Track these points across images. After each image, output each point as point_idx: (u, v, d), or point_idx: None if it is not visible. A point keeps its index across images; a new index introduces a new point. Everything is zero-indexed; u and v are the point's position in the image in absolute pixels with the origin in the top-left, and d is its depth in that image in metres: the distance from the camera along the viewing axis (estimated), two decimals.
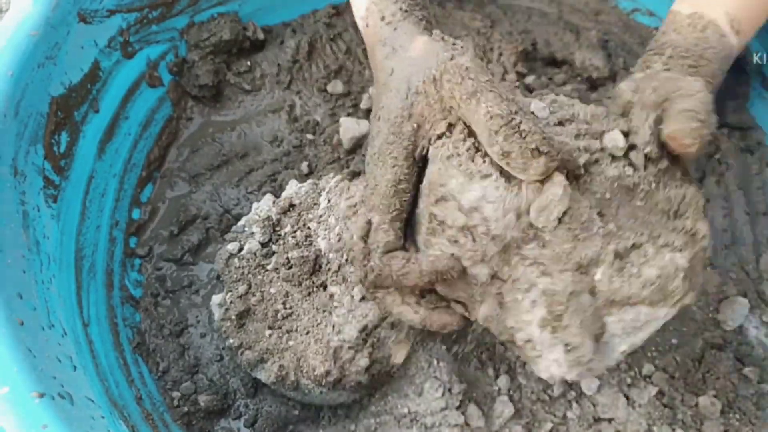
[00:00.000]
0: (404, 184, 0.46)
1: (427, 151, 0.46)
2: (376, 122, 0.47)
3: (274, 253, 0.55)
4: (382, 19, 0.50)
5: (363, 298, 0.51)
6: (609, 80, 0.75)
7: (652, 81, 0.50)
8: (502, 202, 0.42)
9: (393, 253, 0.46)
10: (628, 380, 0.58)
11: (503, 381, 0.56)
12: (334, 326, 0.51)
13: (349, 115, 0.73)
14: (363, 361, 0.52)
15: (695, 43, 0.53)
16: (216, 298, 0.55)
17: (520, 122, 0.41)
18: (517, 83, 0.70)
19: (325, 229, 0.54)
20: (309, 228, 0.56)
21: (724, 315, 0.61)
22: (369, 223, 0.48)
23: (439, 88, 0.44)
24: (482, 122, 0.42)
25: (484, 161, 0.43)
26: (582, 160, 0.44)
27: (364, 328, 0.51)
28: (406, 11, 0.50)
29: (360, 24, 0.53)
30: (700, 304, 0.62)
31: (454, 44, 0.47)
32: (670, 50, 0.53)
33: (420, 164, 0.47)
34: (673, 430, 0.55)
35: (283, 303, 0.53)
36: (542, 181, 0.42)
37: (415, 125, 0.46)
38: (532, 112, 0.46)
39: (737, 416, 0.56)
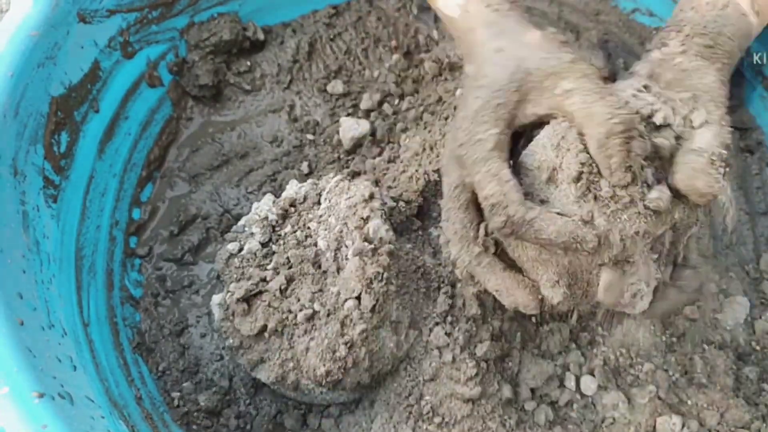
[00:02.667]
0: (504, 144, 0.48)
1: (522, 128, 0.49)
2: (476, 89, 0.48)
3: (274, 253, 0.55)
4: (488, 5, 0.52)
5: (359, 297, 0.51)
6: (609, 80, 0.75)
7: (666, 68, 0.50)
8: None
9: (530, 204, 0.46)
10: (629, 380, 0.58)
11: (506, 390, 0.56)
12: (334, 326, 0.51)
13: (349, 115, 0.73)
14: (363, 361, 0.52)
15: (714, 20, 0.53)
16: (216, 298, 0.55)
17: (634, 138, 0.44)
18: None
19: (325, 229, 0.54)
20: (309, 228, 0.56)
21: (724, 315, 0.61)
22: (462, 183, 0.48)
23: (554, 83, 0.47)
24: (600, 122, 0.44)
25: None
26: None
27: (365, 328, 0.51)
28: (512, 2, 0.53)
29: (453, 10, 0.54)
30: (701, 303, 0.62)
31: (571, 50, 0.49)
32: (688, 28, 0.53)
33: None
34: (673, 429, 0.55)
35: (284, 303, 0.53)
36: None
37: (519, 98, 0.48)
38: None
39: (737, 416, 0.56)
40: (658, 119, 0.48)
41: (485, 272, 0.50)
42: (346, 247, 0.53)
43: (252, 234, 0.56)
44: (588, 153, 0.46)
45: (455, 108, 0.53)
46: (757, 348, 0.61)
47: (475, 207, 0.50)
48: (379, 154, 0.70)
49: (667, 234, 0.49)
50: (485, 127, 0.47)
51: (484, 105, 0.48)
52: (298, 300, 0.53)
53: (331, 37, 0.77)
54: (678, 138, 0.48)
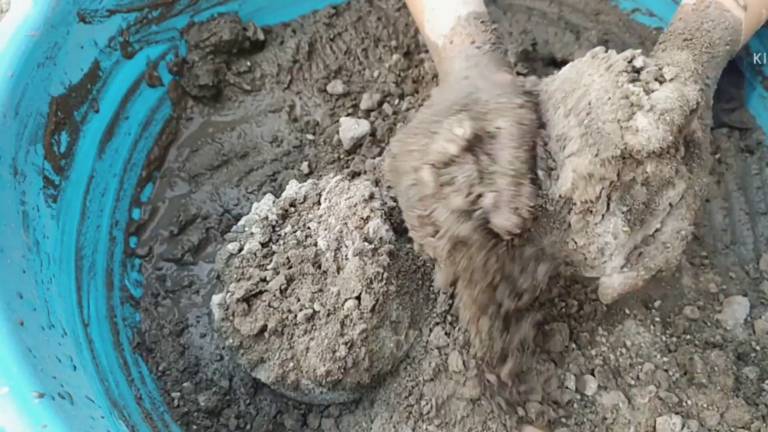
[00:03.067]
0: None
1: None
2: (428, 107, 0.50)
3: (274, 253, 0.55)
4: (472, 42, 0.55)
5: (360, 297, 0.51)
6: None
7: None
8: None
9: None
10: (629, 380, 0.58)
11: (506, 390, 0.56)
12: (334, 326, 0.51)
13: (349, 115, 0.73)
14: (363, 361, 0.52)
15: (695, 20, 0.55)
16: (216, 298, 0.55)
17: (522, 187, 0.46)
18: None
19: (325, 229, 0.54)
20: (309, 228, 0.56)
21: (724, 314, 0.61)
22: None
23: (493, 118, 0.47)
24: (505, 164, 0.46)
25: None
26: None
27: (365, 328, 0.51)
28: (494, 44, 0.56)
29: (437, 40, 0.58)
30: (701, 303, 0.62)
31: (527, 96, 0.50)
32: (671, 33, 0.56)
33: None
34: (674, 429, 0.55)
35: (284, 303, 0.53)
36: None
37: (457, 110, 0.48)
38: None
39: (737, 416, 0.56)
40: (637, 62, 0.48)
41: None
42: (346, 247, 0.53)
43: (252, 234, 0.56)
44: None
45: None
46: (757, 348, 0.61)
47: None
48: (379, 154, 0.70)
49: (639, 189, 0.49)
50: (416, 139, 0.48)
51: (426, 117, 0.48)
52: (298, 300, 0.53)
53: (331, 37, 0.77)
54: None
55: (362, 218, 0.53)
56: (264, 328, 0.52)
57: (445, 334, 0.55)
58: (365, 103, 0.73)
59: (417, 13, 0.63)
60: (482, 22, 0.57)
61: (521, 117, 0.48)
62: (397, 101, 0.74)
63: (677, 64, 0.53)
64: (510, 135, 0.46)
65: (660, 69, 0.48)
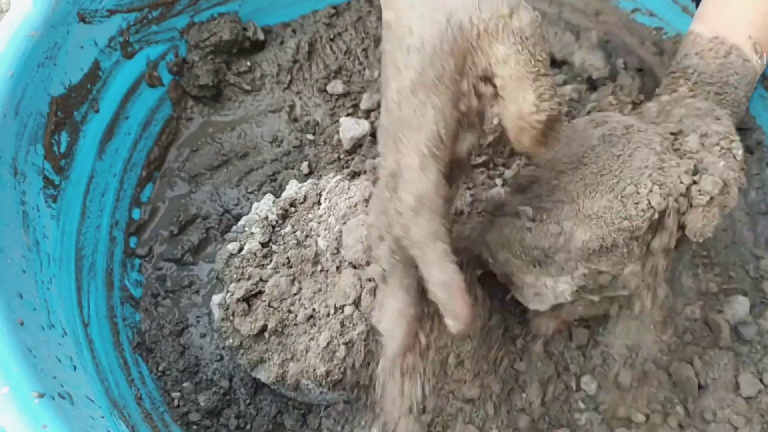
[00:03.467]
0: (447, 131, 0.39)
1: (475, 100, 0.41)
2: (404, 53, 0.39)
3: (274, 253, 0.55)
4: None
5: (356, 302, 0.51)
6: (609, 80, 0.75)
7: (678, 106, 0.51)
8: None
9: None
10: (630, 380, 0.58)
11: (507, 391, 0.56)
12: (334, 326, 0.51)
13: (349, 115, 0.73)
14: (363, 361, 0.52)
15: (719, 69, 0.53)
16: (216, 298, 0.55)
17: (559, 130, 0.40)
18: None
19: (325, 229, 0.54)
20: (309, 228, 0.56)
21: (724, 314, 0.61)
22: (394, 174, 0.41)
23: (488, 44, 0.38)
24: (525, 107, 0.38)
25: None
26: None
27: (365, 329, 0.51)
28: None
29: None
30: (701, 303, 0.62)
31: None
32: (695, 76, 0.54)
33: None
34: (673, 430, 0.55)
35: (283, 303, 0.53)
36: None
37: (455, 62, 0.39)
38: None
39: (738, 416, 0.56)
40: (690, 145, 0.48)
41: (395, 288, 0.44)
42: (346, 247, 0.53)
43: (252, 234, 0.56)
44: None
45: (380, 62, 0.43)
46: (758, 347, 0.61)
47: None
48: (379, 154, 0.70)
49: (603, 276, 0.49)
50: (422, 110, 0.39)
51: (419, 77, 0.38)
52: (298, 300, 0.53)
53: (331, 37, 0.77)
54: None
55: (362, 218, 0.53)
56: (264, 328, 0.52)
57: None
58: (365, 103, 0.73)
59: None
60: None
61: (519, 30, 0.38)
62: None
63: (720, 132, 0.49)
64: (518, 64, 0.38)
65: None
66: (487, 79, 0.40)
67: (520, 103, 0.39)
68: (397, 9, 0.41)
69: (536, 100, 0.38)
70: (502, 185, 0.63)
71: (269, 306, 0.52)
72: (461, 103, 0.40)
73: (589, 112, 0.70)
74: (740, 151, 0.48)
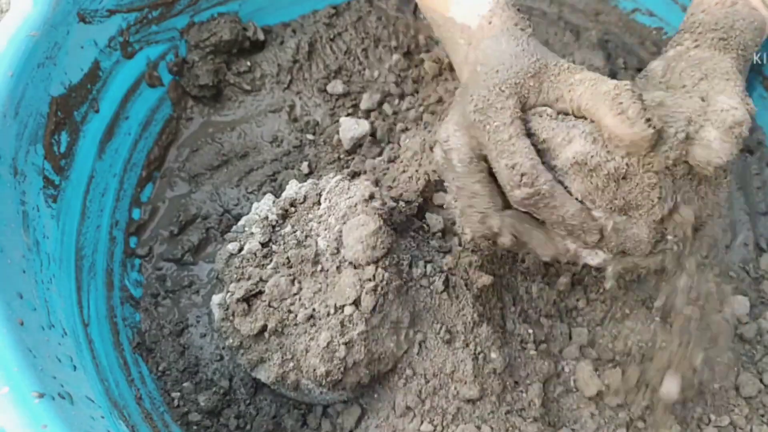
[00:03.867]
0: (521, 119, 0.49)
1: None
2: (491, 71, 0.49)
3: (274, 253, 0.55)
4: (516, 24, 0.53)
5: (357, 302, 0.51)
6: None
7: (681, 60, 0.51)
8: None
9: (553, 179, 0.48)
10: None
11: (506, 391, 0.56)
12: (334, 326, 0.51)
13: (348, 115, 0.73)
14: (363, 361, 0.52)
15: (725, 16, 0.53)
16: (216, 298, 0.55)
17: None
18: None
19: (326, 229, 0.54)
20: (309, 228, 0.56)
21: (724, 314, 0.61)
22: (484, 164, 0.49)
23: (567, 77, 0.49)
24: (606, 95, 0.46)
25: None
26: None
27: (365, 329, 0.51)
28: (533, 30, 0.54)
29: (470, 21, 0.55)
30: (701, 303, 0.62)
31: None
32: (700, 27, 0.54)
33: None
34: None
35: (283, 303, 0.53)
36: None
37: (534, 83, 0.50)
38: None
39: (738, 417, 0.56)
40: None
41: (531, 229, 0.50)
42: (346, 247, 0.53)
43: (252, 234, 0.56)
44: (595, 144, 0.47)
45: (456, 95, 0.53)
46: (758, 347, 0.61)
47: (493, 178, 0.50)
48: (379, 154, 0.70)
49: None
50: (503, 97, 0.48)
51: (503, 81, 0.49)
52: (298, 300, 0.53)
53: (331, 37, 0.77)
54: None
55: (362, 218, 0.53)
56: (264, 328, 0.52)
57: (447, 332, 0.55)
58: (365, 103, 0.73)
59: None
60: (518, 9, 0.56)
61: (593, 74, 0.47)
62: (397, 101, 0.74)
63: (720, 72, 0.50)
64: (591, 79, 0.47)
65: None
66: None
67: (602, 95, 0.46)
68: (489, 53, 0.51)
69: (613, 86, 0.45)
70: None
71: (269, 306, 0.52)
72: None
73: None
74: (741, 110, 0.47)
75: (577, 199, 0.48)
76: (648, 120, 0.44)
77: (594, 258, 0.51)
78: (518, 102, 0.49)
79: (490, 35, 0.53)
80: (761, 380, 0.59)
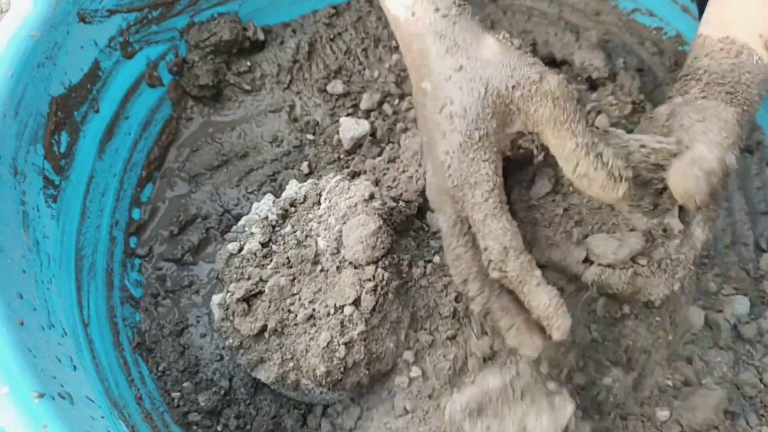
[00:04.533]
0: (500, 183, 0.46)
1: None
2: (447, 119, 0.46)
3: (274, 253, 0.55)
4: (437, 10, 0.48)
5: (357, 302, 0.51)
6: (609, 80, 0.75)
7: (687, 106, 0.51)
8: None
9: (528, 258, 0.46)
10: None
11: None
12: (334, 326, 0.51)
13: (348, 115, 0.73)
14: (363, 361, 0.52)
15: (731, 69, 0.52)
16: (216, 298, 0.55)
17: (602, 152, 0.45)
18: None
19: (326, 229, 0.54)
20: (309, 228, 0.56)
21: (725, 314, 0.61)
22: (464, 224, 0.47)
23: (524, 106, 0.46)
24: (568, 150, 0.45)
25: None
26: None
27: (365, 329, 0.51)
28: (459, 5, 0.49)
29: (399, 11, 0.50)
30: (701, 302, 0.62)
31: (533, 60, 0.47)
32: (707, 76, 0.53)
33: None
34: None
35: (283, 303, 0.53)
36: None
37: (497, 124, 0.46)
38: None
39: (738, 416, 0.56)
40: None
41: (499, 312, 0.48)
42: (346, 247, 0.53)
43: (252, 234, 0.56)
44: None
45: (418, 127, 0.51)
46: (758, 347, 0.61)
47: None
48: (379, 154, 0.70)
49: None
50: (476, 166, 0.45)
51: (467, 140, 0.45)
52: (298, 300, 0.53)
53: (331, 37, 0.77)
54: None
55: (362, 218, 0.53)
56: (264, 328, 0.52)
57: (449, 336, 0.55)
58: (365, 103, 0.73)
59: None
60: None
61: (549, 92, 0.45)
62: (397, 101, 0.74)
63: (718, 118, 0.50)
64: (554, 125, 0.45)
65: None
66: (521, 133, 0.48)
67: (562, 149, 0.46)
68: (433, 80, 0.47)
69: (574, 144, 0.45)
70: None
71: (269, 306, 0.52)
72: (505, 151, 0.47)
73: (589, 113, 0.70)
74: (730, 155, 0.47)
75: (565, 209, 0.49)
76: (615, 179, 0.44)
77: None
78: (494, 161, 0.46)
79: (415, 32, 0.48)
80: (761, 380, 0.59)
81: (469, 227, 0.47)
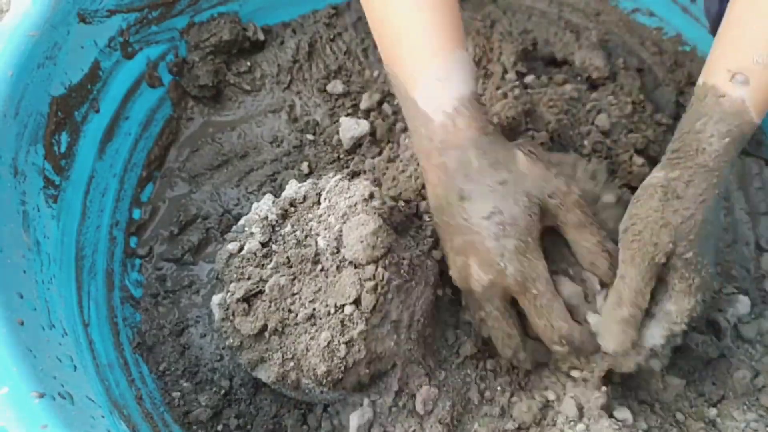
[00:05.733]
0: (545, 267, 0.53)
1: None
2: (496, 226, 0.51)
3: (274, 252, 0.55)
4: (480, 128, 0.52)
5: (357, 301, 0.51)
6: (609, 80, 0.75)
7: (644, 219, 0.51)
8: None
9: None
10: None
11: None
12: (334, 326, 0.51)
13: (348, 115, 0.73)
14: (363, 360, 0.52)
15: (687, 118, 0.52)
16: (216, 298, 0.55)
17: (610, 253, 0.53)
18: (517, 82, 0.70)
19: (325, 229, 0.54)
20: (309, 228, 0.56)
21: (725, 313, 0.61)
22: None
23: (557, 211, 0.53)
24: (591, 245, 0.53)
25: None
26: None
27: (365, 328, 0.51)
28: (493, 125, 0.54)
29: (438, 117, 0.52)
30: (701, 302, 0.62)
31: (556, 171, 0.54)
32: (671, 153, 0.53)
33: None
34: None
35: (284, 302, 0.53)
36: None
37: (540, 225, 0.53)
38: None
39: (738, 414, 0.56)
40: None
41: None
42: (346, 246, 0.53)
43: (252, 234, 0.56)
44: None
45: (441, 225, 0.55)
46: (759, 346, 0.61)
47: (510, 304, 0.53)
48: (379, 154, 0.70)
49: None
50: (535, 265, 0.51)
51: (522, 244, 0.51)
52: (299, 300, 0.53)
53: (331, 37, 0.77)
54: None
55: (362, 218, 0.53)
56: (264, 328, 0.52)
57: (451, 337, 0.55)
58: (365, 103, 0.73)
59: (406, 69, 0.53)
60: (480, 102, 0.54)
61: (574, 201, 0.52)
62: (397, 101, 0.74)
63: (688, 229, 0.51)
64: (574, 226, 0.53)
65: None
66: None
67: (585, 245, 0.53)
68: (475, 190, 0.52)
69: (596, 240, 0.53)
70: None
71: (269, 306, 0.52)
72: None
73: (589, 111, 0.70)
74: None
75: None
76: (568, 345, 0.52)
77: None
78: (542, 257, 0.52)
79: (455, 144, 0.52)
80: (761, 379, 0.58)
81: (504, 291, 0.52)
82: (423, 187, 0.63)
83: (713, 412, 0.56)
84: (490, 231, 0.51)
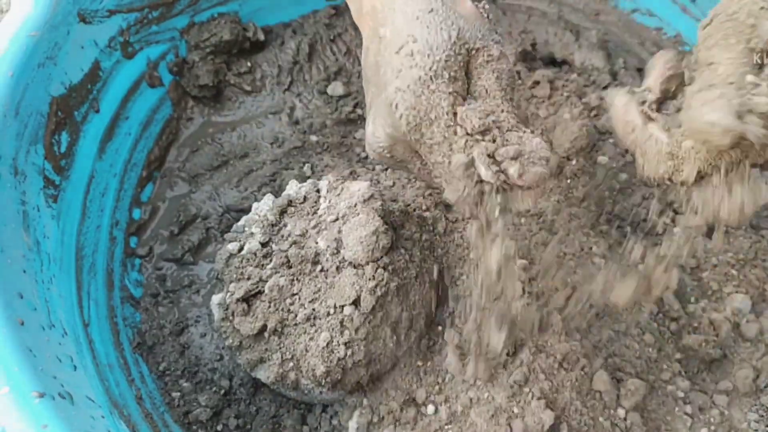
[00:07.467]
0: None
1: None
2: (408, 57, 0.43)
3: (273, 253, 0.55)
4: None
5: (356, 302, 0.51)
6: (609, 80, 0.75)
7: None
8: None
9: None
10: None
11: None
12: (334, 326, 0.51)
13: (349, 114, 0.73)
14: (362, 360, 0.52)
15: None
16: (216, 298, 0.55)
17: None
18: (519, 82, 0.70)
19: (325, 229, 0.54)
20: (309, 228, 0.56)
21: (726, 312, 0.61)
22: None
23: (475, 70, 0.45)
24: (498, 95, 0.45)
25: None
26: None
27: (364, 328, 0.51)
28: None
29: None
30: (702, 302, 0.62)
31: (498, 38, 0.47)
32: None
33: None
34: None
35: (283, 303, 0.53)
36: None
37: (461, 64, 0.44)
38: None
39: (738, 414, 0.56)
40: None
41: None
42: (346, 247, 0.53)
43: (252, 234, 0.56)
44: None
45: (363, 85, 0.49)
46: (759, 345, 0.60)
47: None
48: None
49: None
50: (437, 98, 0.43)
51: (428, 73, 0.42)
52: (298, 300, 0.53)
53: (332, 38, 0.77)
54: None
55: (361, 218, 0.53)
56: (264, 328, 0.52)
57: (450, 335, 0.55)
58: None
59: None
60: None
61: (510, 71, 0.45)
62: None
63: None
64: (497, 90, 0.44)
65: None
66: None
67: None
68: (396, 21, 0.44)
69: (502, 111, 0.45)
70: None
71: (269, 306, 0.52)
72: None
73: (591, 110, 0.70)
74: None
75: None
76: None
77: None
78: (452, 107, 0.43)
79: None
80: (761, 379, 0.58)
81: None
82: (423, 186, 0.63)
83: (715, 411, 0.56)
84: (394, 66, 0.43)
